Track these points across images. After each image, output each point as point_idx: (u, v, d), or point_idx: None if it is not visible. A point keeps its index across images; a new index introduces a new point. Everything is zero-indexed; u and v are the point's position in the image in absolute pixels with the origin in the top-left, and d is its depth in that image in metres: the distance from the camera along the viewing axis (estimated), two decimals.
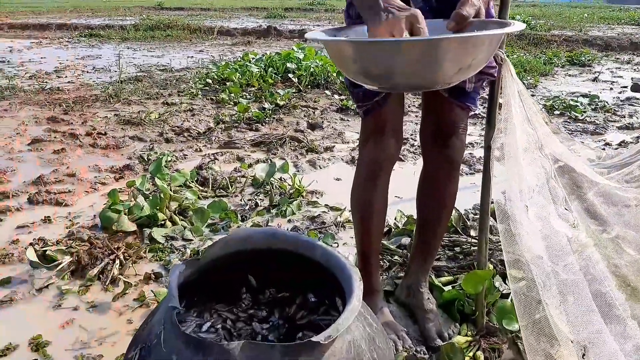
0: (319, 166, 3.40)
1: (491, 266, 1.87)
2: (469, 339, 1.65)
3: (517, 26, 0.94)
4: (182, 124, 4.32)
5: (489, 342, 1.67)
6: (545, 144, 1.75)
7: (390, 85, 0.98)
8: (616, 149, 3.64)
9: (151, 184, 2.85)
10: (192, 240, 2.40)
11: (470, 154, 3.59)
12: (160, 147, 3.79)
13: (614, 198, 2.01)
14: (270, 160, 3.49)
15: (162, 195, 2.51)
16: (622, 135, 4.04)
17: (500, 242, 1.77)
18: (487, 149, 1.59)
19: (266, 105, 4.64)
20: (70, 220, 2.62)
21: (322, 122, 4.43)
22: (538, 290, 1.46)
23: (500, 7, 1.37)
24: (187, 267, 1.25)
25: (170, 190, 2.60)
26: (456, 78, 0.94)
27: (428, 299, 1.73)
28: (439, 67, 0.88)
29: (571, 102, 4.75)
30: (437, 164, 1.59)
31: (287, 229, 2.48)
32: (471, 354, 1.62)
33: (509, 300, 1.76)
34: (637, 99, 5.14)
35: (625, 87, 5.87)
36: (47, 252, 2.18)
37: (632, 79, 4.71)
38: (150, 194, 2.72)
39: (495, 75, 1.44)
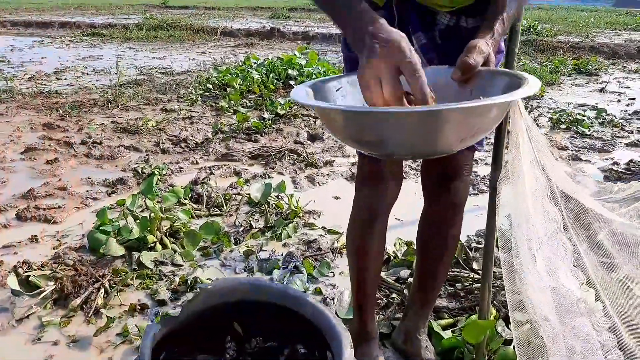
0: (318, 182, 3.30)
1: (494, 311, 1.76)
2: None
3: (530, 88, 0.83)
4: (179, 133, 4.22)
5: None
6: (555, 182, 1.65)
7: (384, 153, 0.87)
8: (626, 168, 3.53)
9: (143, 200, 2.76)
10: (182, 265, 2.30)
11: (475, 172, 3.48)
12: (156, 158, 3.70)
13: (628, 238, 1.90)
14: (267, 175, 3.40)
15: (152, 217, 2.41)
16: (631, 153, 3.92)
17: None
18: (493, 189, 1.49)
19: (266, 115, 4.54)
20: (57, 239, 2.53)
21: (323, 133, 4.33)
22: (542, 339, 1.36)
23: (506, 56, 1.27)
24: (162, 326, 1.15)
25: (162, 211, 2.51)
26: (460, 146, 0.84)
27: (426, 347, 1.63)
28: (438, 137, 0.77)
29: (578, 117, 4.63)
30: (439, 207, 1.49)
31: (282, 255, 2.38)
32: None
33: (511, 347, 1.66)
34: None
35: (633, 99, 5.75)
36: (30, 278, 2.09)
37: None
38: (142, 210, 2.63)
39: None
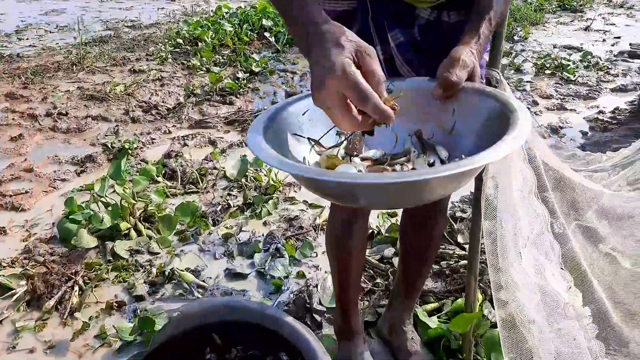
0: None
1: (480, 296, 1.72)
2: None
3: (517, 138, 0.71)
4: (150, 98, 4.02)
5: None
6: (544, 157, 1.57)
7: (358, 206, 0.77)
8: (611, 117, 3.45)
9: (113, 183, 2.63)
10: (158, 253, 2.22)
11: None
12: (126, 128, 3.53)
13: (617, 210, 1.85)
14: (245, 143, 3.26)
15: (124, 203, 2.30)
16: (616, 99, 3.84)
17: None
18: (479, 179, 1.40)
19: (240, 74, 4.33)
20: (27, 230, 2.42)
21: (302, 90, 4.16)
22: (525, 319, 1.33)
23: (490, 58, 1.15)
24: None
25: (134, 196, 2.39)
26: (441, 197, 0.74)
27: (412, 338, 1.60)
28: (414, 198, 0.68)
29: (563, 61, 4.50)
30: (421, 211, 1.40)
31: (262, 235, 2.30)
32: None
33: (498, 330, 1.63)
34: (631, 53, 4.89)
35: (619, 37, 5.60)
36: (0, 279, 2.00)
37: (630, 44, 4.42)
38: (113, 192, 2.49)
39: None
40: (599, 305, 1.72)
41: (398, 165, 0.88)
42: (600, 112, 3.56)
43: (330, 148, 0.90)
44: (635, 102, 3.62)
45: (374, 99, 0.72)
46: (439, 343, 1.62)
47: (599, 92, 3.97)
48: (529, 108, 3.58)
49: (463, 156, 0.83)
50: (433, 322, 1.67)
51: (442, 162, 0.88)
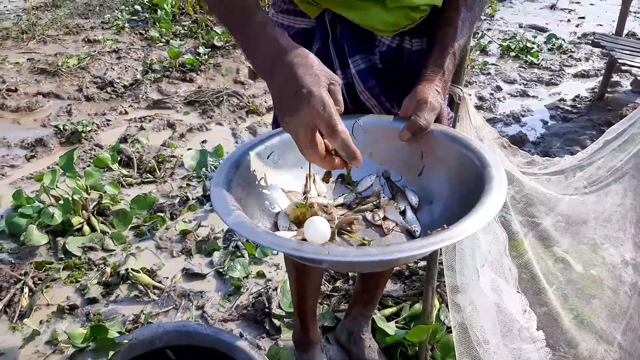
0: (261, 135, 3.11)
1: (437, 303, 1.74)
2: None
3: (486, 213, 0.68)
4: (105, 74, 3.83)
5: None
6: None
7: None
8: (572, 105, 3.50)
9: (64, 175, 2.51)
10: (113, 250, 2.15)
11: None
12: (80, 108, 3.36)
13: (572, 215, 1.88)
14: (205, 127, 3.16)
15: (75, 198, 2.20)
16: (577, 85, 3.89)
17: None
18: None
19: (201, 49, 4.16)
20: None
21: None
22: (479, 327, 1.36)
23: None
24: None
25: (87, 190, 2.29)
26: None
27: (370, 346, 1.60)
28: (380, 267, 0.66)
29: (527, 44, 4.51)
30: None
31: (222, 231, 2.25)
32: None
33: (453, 334, 1.66)
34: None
35: (583, 18, 5.65)
36: None
37: (594, 34, 4.45)
38: (65, 180, 2.37)
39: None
40: (550, 309, 1.78)
41: (368, 212, 0.85)
42: (562, 99, 3.60)
43: (304, 194, 0.87)
44: (596, 89, 3.68)
45: (345, 136, 0.72)
46: (397, 350, 1.64)
47: (561, 78, 4.01)
48: (494, 100, 3.59)
49: (433, 205, 0.81)
50: (391, 329, 1.68)
51: (413, 208, 0.86)
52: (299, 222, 0.81)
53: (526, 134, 3.04)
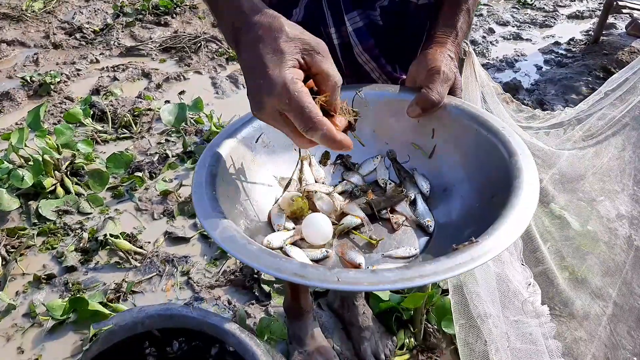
0: (242, 84, 2.94)
1: None
2: (406, 357, 1.52)
3: (530, 203, 0.58)
4: (73, 18, 3.57)
5: (428, 355, 1.55)
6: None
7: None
8: (566, 49, 3.36)
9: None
10: (90, 213, 2.03)
11: None
12: (48, 57, 3.13)
13: (571, 172, 1.81)
14: (182, 76, 2.97)
15: (46, 158, 2.06)
16: (572, 27, 3.73)
17: None
18: None
19: None
20: None
21: None
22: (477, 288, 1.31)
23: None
24: None
25: (58, 150, 2.14)
26: None
27: (364, 312, 1.55)
28: None
29: None
30: None
31: None
32: None
33: (449, 296, 1.62)
34: None
35: None
36: None
37: None
38: (34, 138, 2.21)
39: None
40: (546, 268, 1.74)
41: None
42: (556, 42, 3.46)
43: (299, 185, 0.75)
44: (591, 32, 3.54)
45: (323, 128, 0.58)
46: (391, 315, 1.59)
47: (555, 19, 3.84)
48: (487, 44, 3.43)
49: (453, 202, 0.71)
50: (385, 294, 1.62)
51: (424, 196, 0.75)
52: (296, 217, 0.71)
53: (520, 81, 2.92)
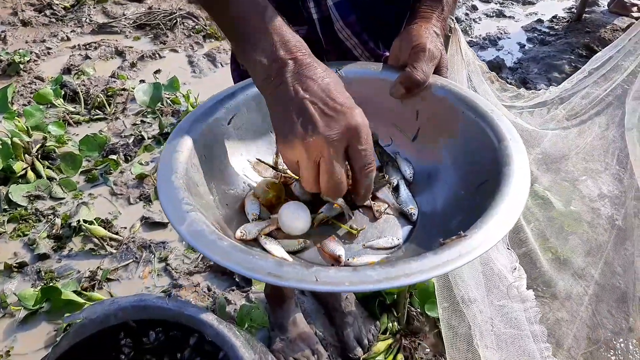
0: (221, 63, 2.85)
1: None
2: (390, 341, 1.51)
3: (518, 197, 0.55)
4: None
5: (411, 339, 1.54)
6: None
7: None
8: (549, 27, 3.33)
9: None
10: (63, 198, 1.96)
11: None
12: (16, 34, 2.99)
13: (554, 155, 1.79)
14: (158, 54, 2.87)
15: (16, 141, 1.97)
16: (554, 5, 3.69)
17: None
18: None
19: None
20: None
21: None
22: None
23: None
24: None
25: (28, 132, 2.05)
26: None
27: (346, 297, 1.52)
28: None
29: None
30: None
31: None
32: (391, 357, 1.49)
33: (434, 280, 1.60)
34: None
35: None
36: None
37: None
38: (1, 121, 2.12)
39: None
40: (530, 249, 1.73)
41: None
42: (539, 20, 3.42)
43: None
44: (574, 9, 3.51)
45: (373, 174, 0.59)
46: (374, 300, 1.57)
47: None
48: (470, 22, 3.37)
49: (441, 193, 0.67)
50: None
51: (407, 182, 0.71)
52: (271, 206, 0.67)
53: (503, 59, 2.89)
